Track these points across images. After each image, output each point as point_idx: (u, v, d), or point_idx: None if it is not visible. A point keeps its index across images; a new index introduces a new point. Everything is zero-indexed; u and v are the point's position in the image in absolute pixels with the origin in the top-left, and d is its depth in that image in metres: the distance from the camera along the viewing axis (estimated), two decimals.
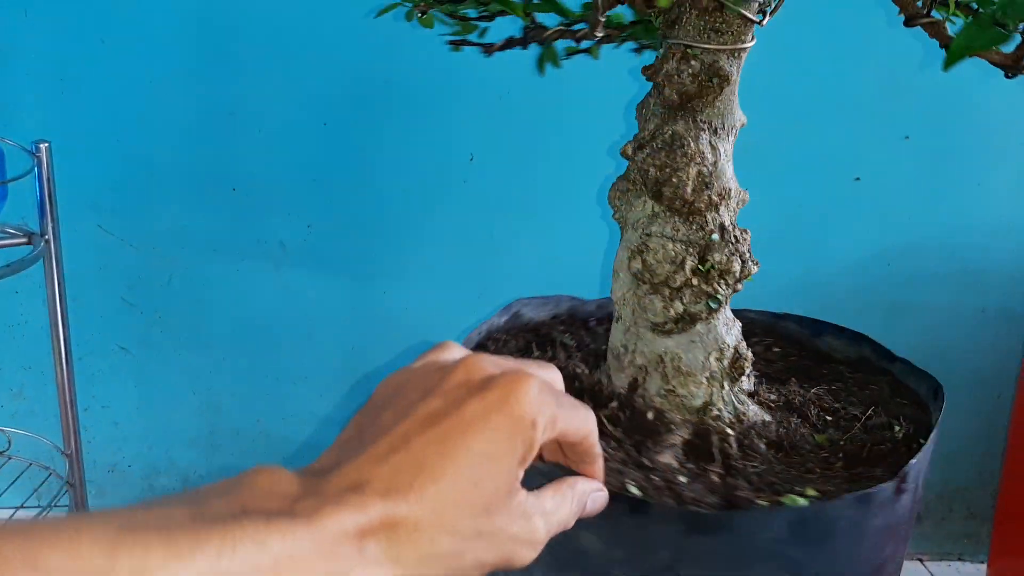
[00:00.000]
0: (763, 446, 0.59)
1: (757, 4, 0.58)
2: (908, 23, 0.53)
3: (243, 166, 1.10)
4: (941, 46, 0.53)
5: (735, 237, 0.61)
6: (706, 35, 0.58)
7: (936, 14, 0.52)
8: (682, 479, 0.55)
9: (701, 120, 0.60)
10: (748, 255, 0.62)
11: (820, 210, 1.14)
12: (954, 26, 0.53)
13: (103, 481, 1.22)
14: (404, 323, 1.17)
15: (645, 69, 0.62)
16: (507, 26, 0.69)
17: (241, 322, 1.16)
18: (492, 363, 0.37)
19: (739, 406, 0.62)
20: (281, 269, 1.14)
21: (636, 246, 0.62)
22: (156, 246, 1.13)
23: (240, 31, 1.05)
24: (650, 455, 0.58)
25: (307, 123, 1.09)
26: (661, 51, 0.61)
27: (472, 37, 0.67)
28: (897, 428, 0.63)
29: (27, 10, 1.02)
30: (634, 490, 0.52)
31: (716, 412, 0.61)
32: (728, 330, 0.63)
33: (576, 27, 0.64)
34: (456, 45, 0.66)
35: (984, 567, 1.23)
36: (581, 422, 0.39)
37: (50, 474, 1.07)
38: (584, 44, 0.68)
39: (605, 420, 0.61)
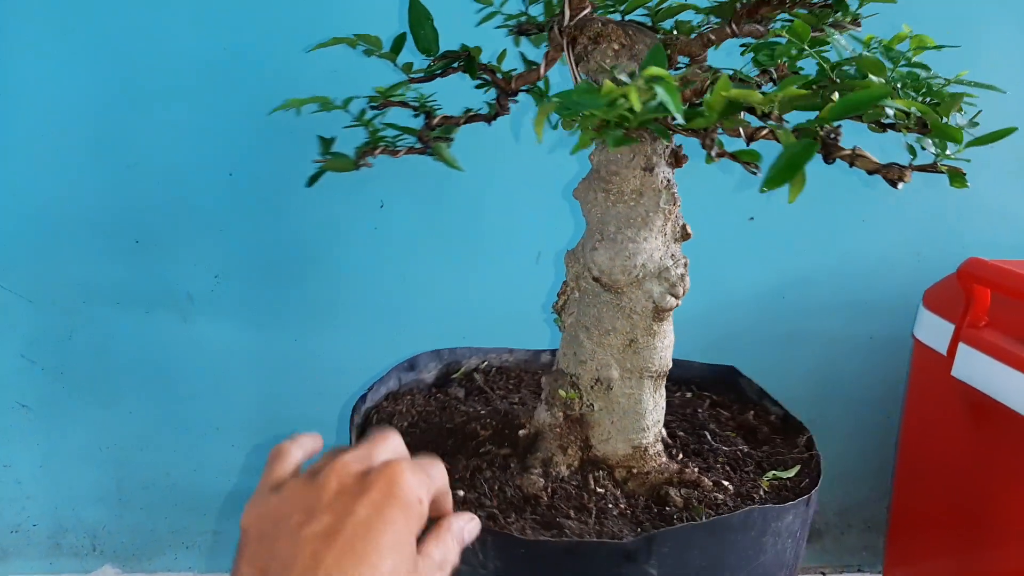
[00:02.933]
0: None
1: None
2: None
3: (147, 217, 1.08)
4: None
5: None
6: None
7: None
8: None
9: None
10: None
11: (719, 247, 1.19)
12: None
13: (6, 542, 1.18)
14: (315, 369, 1.17)
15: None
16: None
17: (148, 375, 1.14)
18: (355, 460, 0.40)
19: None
20: (189, 320, 1.13)
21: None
22: (56, 300, 1.10)
23: (140, 80, 1.04)
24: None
25: (212, 173, 1.08)
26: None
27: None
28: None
29: None
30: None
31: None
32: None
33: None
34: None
35: None
36: (443, 477, 0.43)
37: None
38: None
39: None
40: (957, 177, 0.55)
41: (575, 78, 0.62)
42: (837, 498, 1.33)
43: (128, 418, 1.15)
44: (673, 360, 0.70)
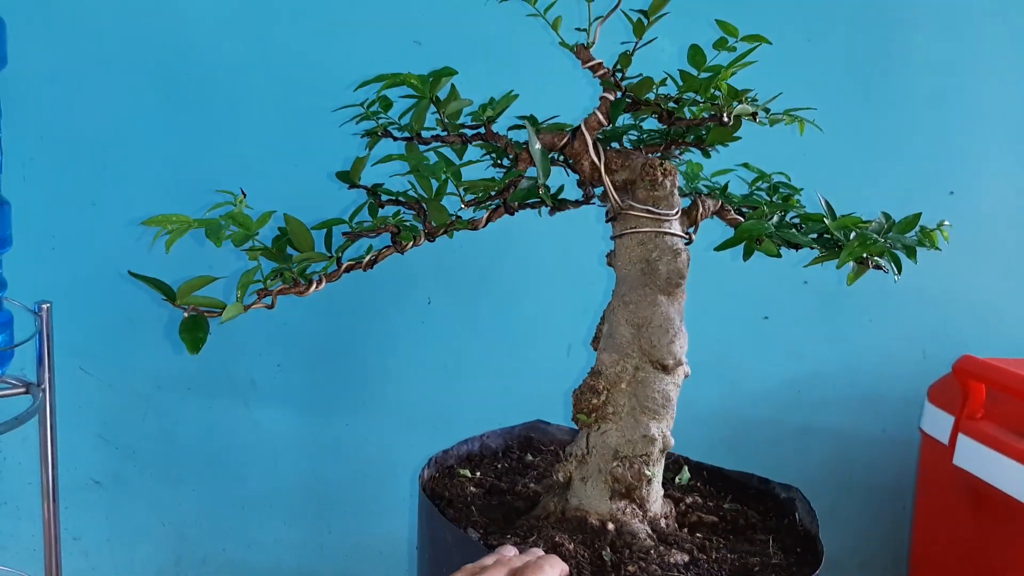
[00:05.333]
0: None
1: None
2: None
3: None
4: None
5: None
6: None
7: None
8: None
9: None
10: None
11: (734, 345, 1.30)
12: None
13: None
14: (364, 453, 1.26)
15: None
16: None
17: (210, 455, 1.24)
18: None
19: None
20: (251, 405, 1.23)
21: None
22: (132, 385, 1.21)
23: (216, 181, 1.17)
24: None
25: None
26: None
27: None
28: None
29: (25, 176, 1.13)
30: None
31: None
32: None
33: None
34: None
35: None
36: None
37: None
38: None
39: None
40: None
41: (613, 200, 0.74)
42: None
43: (190, 495, 1.24)
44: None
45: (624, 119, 0.88)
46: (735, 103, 0.65)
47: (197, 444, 1.24)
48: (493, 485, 0.89)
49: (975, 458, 0.99)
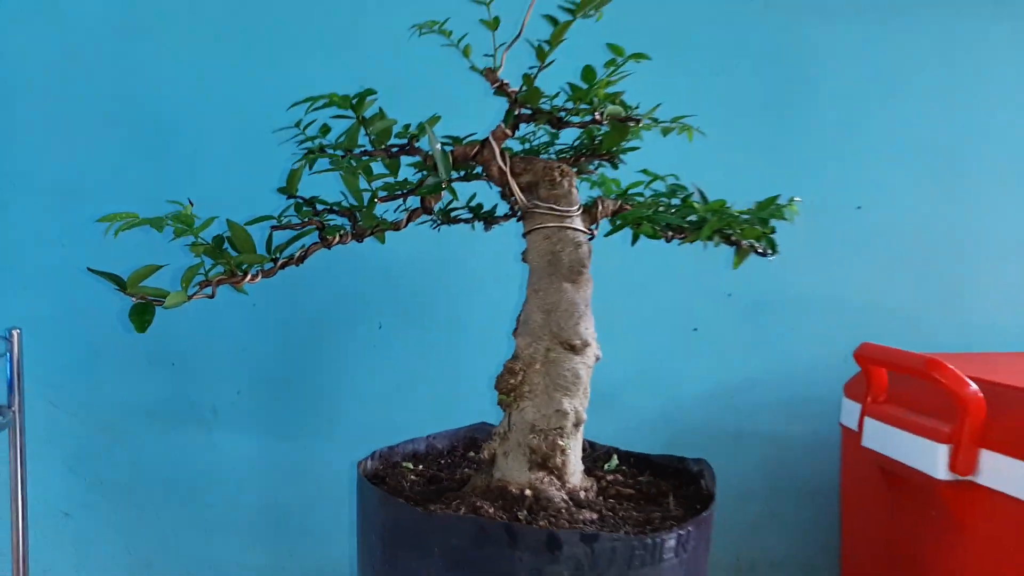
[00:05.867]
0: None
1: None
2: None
3: (180, 343, 1.28)
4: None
5: None
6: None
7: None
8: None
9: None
10: None
11: (669, 356, 1.38)
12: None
13: None
14: (321, 476, 1.32)
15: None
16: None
17: (174, 482, 1.30)
18: None
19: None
20: (213, 431, 1.30)
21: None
22: (99, 417, 1.28)
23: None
24: None
25: (239, 306, 1.29)
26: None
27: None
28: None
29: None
30: None
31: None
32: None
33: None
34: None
35: None
36: None
37: None
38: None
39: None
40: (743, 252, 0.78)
41: (519, 198, 0.84)
42: None
43: (155, 523, 1.30)
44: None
45: (541, 138, 0.99)
46: (607, 104, 0.75)
47: (161, 471, 1.30)
48: (434, 476, 0.96)
49: (880, 437, 1.08)
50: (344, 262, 1.31)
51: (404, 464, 0.98)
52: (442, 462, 1.04)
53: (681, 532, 0.72)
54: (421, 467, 0.99)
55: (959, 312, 1.46)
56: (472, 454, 1.06)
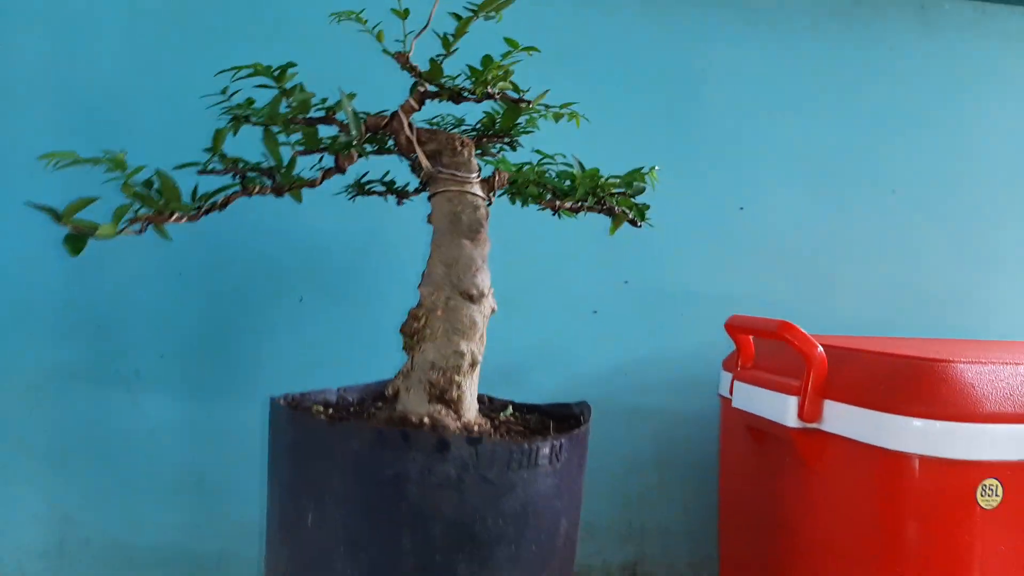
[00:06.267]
0: None
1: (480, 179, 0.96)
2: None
3: (105, 309, 1.35)
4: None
5: None
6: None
7: None
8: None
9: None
10: None
11: (570, 336, 1.51)
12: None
13: None
14: (240, 439, 1.40)
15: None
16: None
17: (97, 443, 1.36)
18: None
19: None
20: (135, 394, 1.37)
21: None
22: (23, 378, 1.33)
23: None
24: None
25: (165, 274, 1.37)
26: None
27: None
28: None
29: None
30: None
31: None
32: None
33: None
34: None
35: None
36: None
37: None
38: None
39: None
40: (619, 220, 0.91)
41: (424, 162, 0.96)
42: (685, 554, 1.58)
43: (76, 481, 1.35)
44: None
45: (448, 122, 1.11)
46: (498, 83, 0.88)
47: (85, 433, 1.36)
48: (343, 417, 1.06)
49: (746, 397, 1.22)
50: (268, 238, 1.40)
51: (315, 407, 1.08)
52: (351, 409, 1.13)
53: (555, 443, 0.84)
54: (331, 411, 1.09)
55: (829, 303, 1.63)
56: (380, 404, 1.16)
